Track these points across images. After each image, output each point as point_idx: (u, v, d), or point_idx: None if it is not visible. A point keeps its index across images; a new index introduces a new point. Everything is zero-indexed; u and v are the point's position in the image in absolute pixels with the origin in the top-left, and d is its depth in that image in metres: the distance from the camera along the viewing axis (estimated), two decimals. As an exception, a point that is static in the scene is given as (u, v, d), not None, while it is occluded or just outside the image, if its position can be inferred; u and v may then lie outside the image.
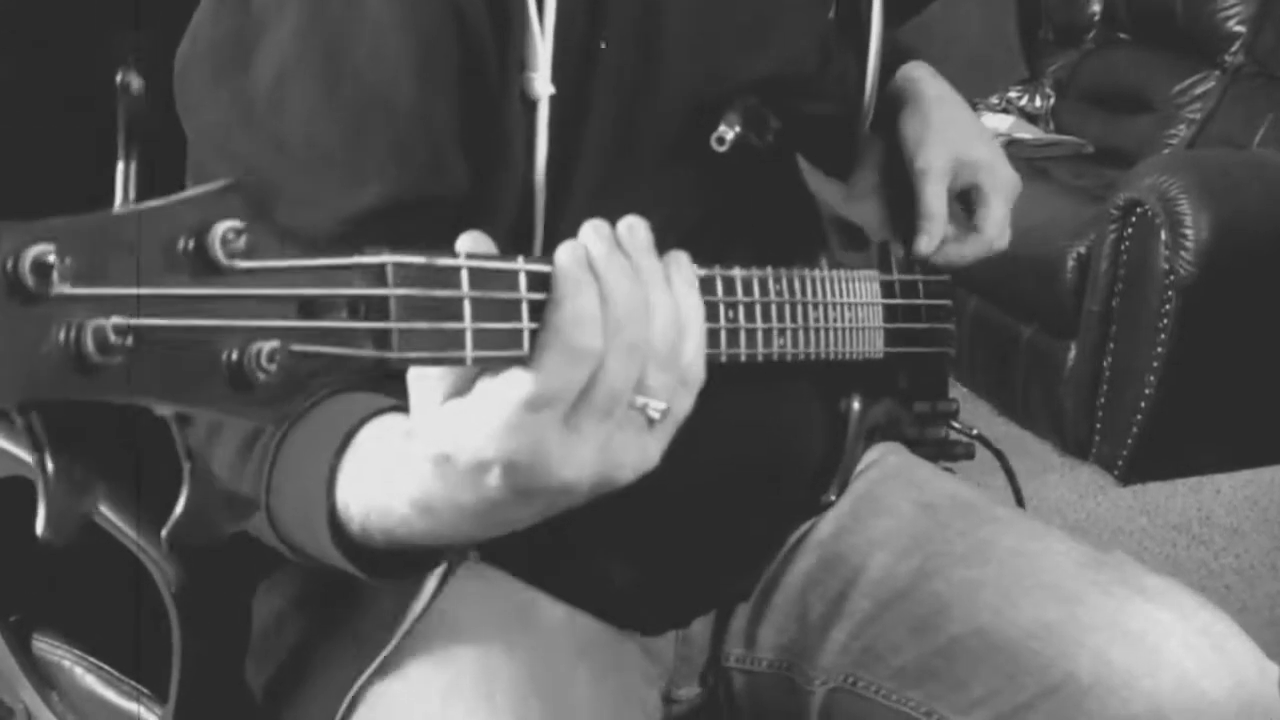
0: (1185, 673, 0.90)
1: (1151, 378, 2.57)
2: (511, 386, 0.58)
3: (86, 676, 1.11)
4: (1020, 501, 1.23)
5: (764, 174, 0.96)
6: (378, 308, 0.53)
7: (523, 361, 0.58)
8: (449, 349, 0.56)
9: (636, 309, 0.60)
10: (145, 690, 1.07)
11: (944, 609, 0.97)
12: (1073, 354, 2.73)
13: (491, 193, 0.83)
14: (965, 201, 1.11)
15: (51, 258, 0.43)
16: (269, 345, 0.49)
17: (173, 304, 0.47)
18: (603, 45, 0.86)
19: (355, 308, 0.53)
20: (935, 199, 1.06)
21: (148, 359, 0.46)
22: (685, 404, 0.64)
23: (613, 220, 0.63)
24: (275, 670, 0.93)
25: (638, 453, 0.62)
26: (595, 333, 0.59)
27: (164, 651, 0.98)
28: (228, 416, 0.49)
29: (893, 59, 1.13)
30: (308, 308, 0.51)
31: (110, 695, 1.09)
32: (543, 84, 0.82)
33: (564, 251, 0.59)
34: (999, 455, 1.20)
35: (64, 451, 0.48)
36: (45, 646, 1.13)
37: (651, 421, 0.62)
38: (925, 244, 1.06)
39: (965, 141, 1.10)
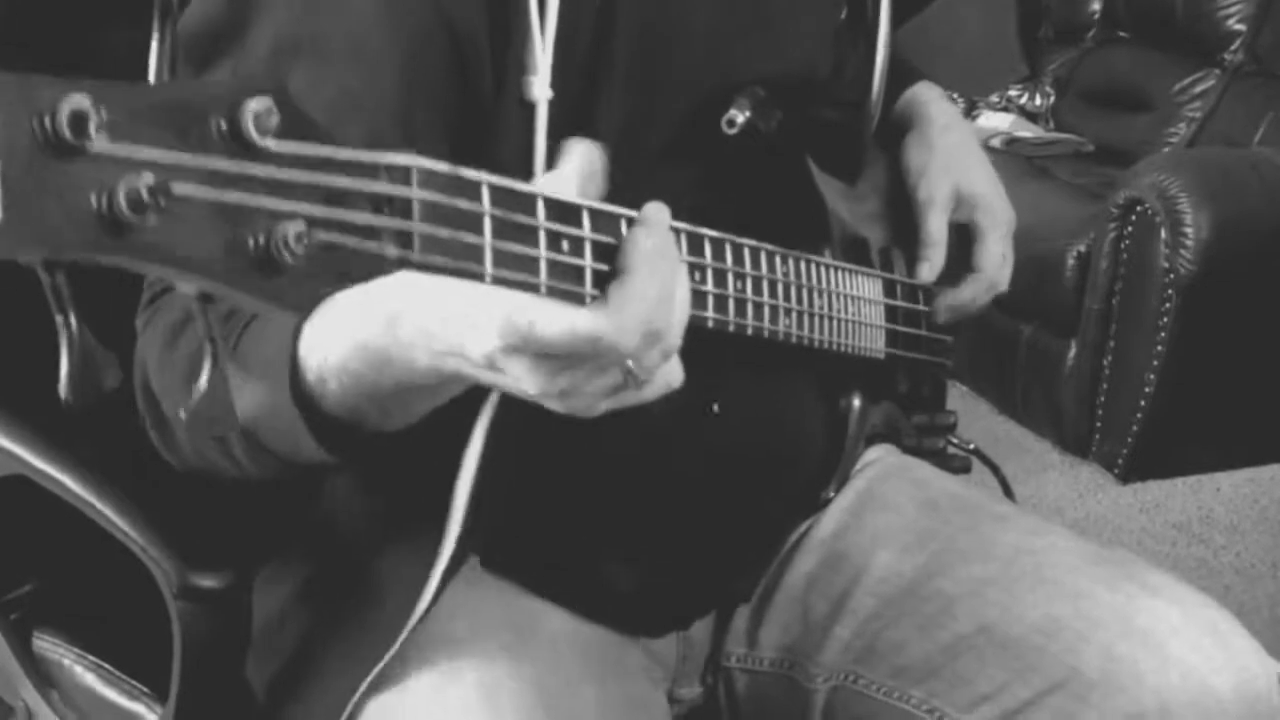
0: (1192, 669, 0.90)
1: (1151, 376, 2.57)
2: (544, 321, 0.61)
3: (87, 675, 1.10)
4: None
5: (771, 163, 0.96)
6: (401, 209, 0.54)
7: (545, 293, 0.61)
8: (468, 261, 0.57)
9: (670, 307, 0.65)
10: (145, 689, 1.07)
11: (949, 606, 0.97)
12: (1073, 352, 2.73)
13: None
14: (962, 235, 1.12)
15: (88, 108, 0.43)
16: (295, 228, 0.49)
17: (204, 176, 0.47)
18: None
19: (379, 206, 0.54)
20: (937, 228, 1.08)
21: (177, 228, 0.46)
22: (652, 393, 0.68)
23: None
24: (278, 668, 0.93)
25: (591, 401, 0.66)
26: (640, 334, 0.63)
27: (164, 651, 0.98)
28: (250, 299, 0.50)
29: (903, 78, 1.14)
30: (334, 199, 0.52)
31: (111, 694, 1.09)
32: (541, 88, 0.82)
33: (647, 245, 0.64)
34: (994, 468, 1.22)
35: (85, 321, 0.48)
36: (46, 645, 1.13)
37: (625, 385, 0.66)
38: (927, 271, 1.08)
39: (967, 172, 1.11)
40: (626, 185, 0.86)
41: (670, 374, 0.68)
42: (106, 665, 1.10)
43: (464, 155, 0.82)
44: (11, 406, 1.04)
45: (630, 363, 0.65)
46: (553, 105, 0.82)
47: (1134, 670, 0.90)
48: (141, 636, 1.04)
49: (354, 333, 0.68)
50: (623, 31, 0.87)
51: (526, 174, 0.83)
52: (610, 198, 0.67)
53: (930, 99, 1.14)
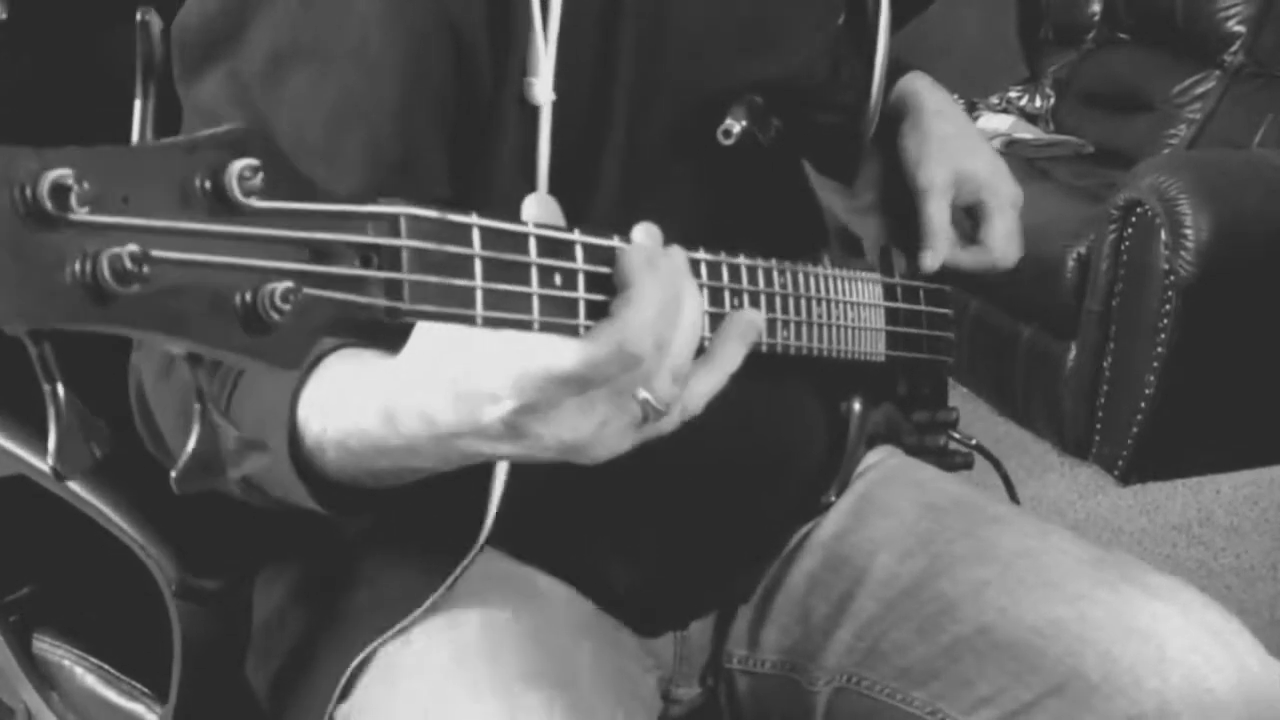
0: (1192, 670, 0.90)
1: (1151, 378, 2.57)
2: (556, 357, 0.60)
3: (87, 676, 1.10)
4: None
5: (768, 171, 0.96)
6: (390, 258, 0.54)
7: (552, 329, 0.60)
8: (460, 306, 0.57)
9: (675, 318, 0.64)
10: (145, 690, 1.07)
11: (949, 608, 0.97)
12: (1073, 354, 2.73)
13: (486, 195, 0.83)
14: (970, 216, 1.12)
15: (70, 181, 0.43)
16: (283, 285, 0.49)
17: (189, 239, 0.47)
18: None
19: (368, 258, 0.53)
20: (939, 215, 1.07)
21: (162, 293, 0.46)
22: (670, 422, 0.67)
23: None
24: (278, 667, 0.93)
25: (617, 440, 0.65)
26: (651, 340, 0.62)
27: (164, 651, 0.98)
28: (240, 358, 0.49)
29: (893, 71, 1.13)
30: (321, 254, 0.51)
31: (111, 695, 1.09)
32: (544, 90, 0.82)
33: (638, 257, 0.62)
34: (997, 464, 1.21)
35: (73, 387, 0.48)
36: (46, 646, 1.13)
37: (645, 419, 0.65)
38: (930, 260, 1.07)
39: (966, 155, 1.10)
40: (626, 193, 0.86)
41: (688, 403, 0.67)
42: (106, 666, 1.10)
43: (465, 157, 0.82)
44: (11, 407, 1.04)
45: (644, 393, 0.64)
46: (555, 108, 0.82)
47: (1134, 672, 0.90)
48: (141, 637, 1.04)
49: (352, 418, 0.68)
50: (625, 34, 0.86)
51: (528, 178, 0.83)
52: (611, 204, 0.67)
53: (921, 88, 1.13)
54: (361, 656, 0.86)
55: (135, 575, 0.97)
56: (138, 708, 1.07)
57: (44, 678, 1.13)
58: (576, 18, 0.83)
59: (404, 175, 0.80)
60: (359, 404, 0.67)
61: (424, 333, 0.64)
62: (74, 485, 0.99)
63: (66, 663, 1.12)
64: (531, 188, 0.82)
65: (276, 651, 0.94)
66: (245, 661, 0.96)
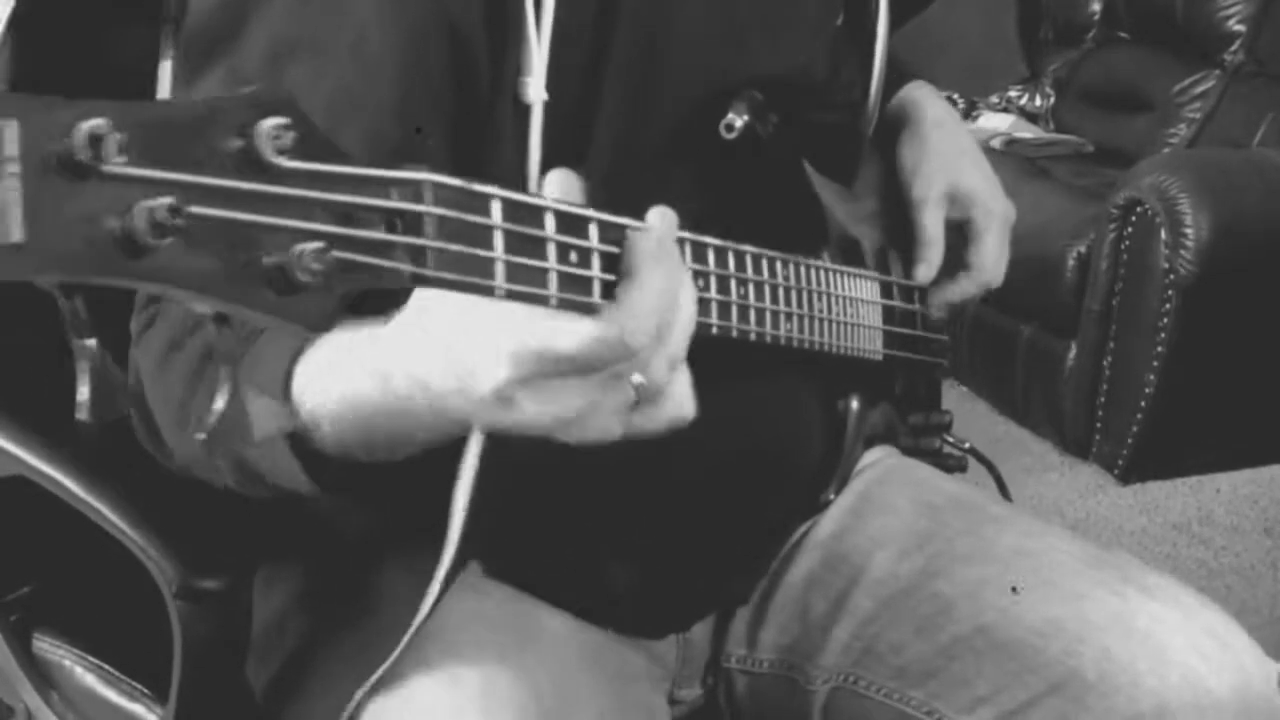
0: (1190, 670, 0.90)
1: (1151, 377, 2.57)
2: (557, 336, 0.60)
3: (87, 676, 1.11)
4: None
5: (769, 167, 0.96)
6: (414, 224, 0.54)
7: (571, 307, 0.60)
8: (481, 276, 0.57)
9: (674, 304, 0.64)
10: (145, 690, 1.07)
11: (947, 608, 0.97)
12: (1073, 353, 2.73)
13: None
14: (959, 233, 1.12)
15: (105, 131, 0.43)
16: (312, 246, 0.49)
17: (221, 196, 0.47)
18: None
19: (392, 223, 0.53)
20: (933, 227, 1.08)
21: (194, 249, 0.46)
22: (663, 417, 0.66)
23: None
24: (278, 669, 0.93)
25: (607, 423, 0.65)
26: (653, 326, 0.62)
27: (164, 651, 0.98)
28: (268, 319, 0.49)
29: (896, 78, 1.14)
30: (348, 217, 0.51)
31: (111, 695, 1.09)
32: (536, 90, 0.82)
33: (647, 243, 0.63)
34: (990, 467, 1.22)
35: (104, 342, 0.48)
36: (46, 646, 1.13)
37: (636, 403, 0.64)
38: (924, 271, 1.08)
39: (962, 169, 1.11)
40: (625, 189, 0.86)
41: (681, 405, 0.67)
42: (106, 666, 1.10)
43: (463, 156, 0.82)
44: (11, 407, 1.04)
45: (638, 376, 0.63)
46: (548, 107, 0.82)
47: (1132, 672, 0.90)
48: (141, 637, 1.04)
49: (347, 388, 0.68)
50: (621, 34, 0.87)
51: (521, 177, 0.83)
52: (606, 201, 0.67)
53: (922, 97, 1.14)
54: (351, 707, 0.85)
55: (135, 575, 0.97)
56: (137, 708, 1.07)
57: (44, 677, 1.13)
58: (572, 16, 0.83)
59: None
60: (351, 368, 0.67)
61: (417, 302, 0.64)
62: (73, 485, 1.00)
63: (66, 662, 1.12)
64: (524, 186, 0.83)
65: (276, 656, 0.93)
66: (246, 663, 0.97)
